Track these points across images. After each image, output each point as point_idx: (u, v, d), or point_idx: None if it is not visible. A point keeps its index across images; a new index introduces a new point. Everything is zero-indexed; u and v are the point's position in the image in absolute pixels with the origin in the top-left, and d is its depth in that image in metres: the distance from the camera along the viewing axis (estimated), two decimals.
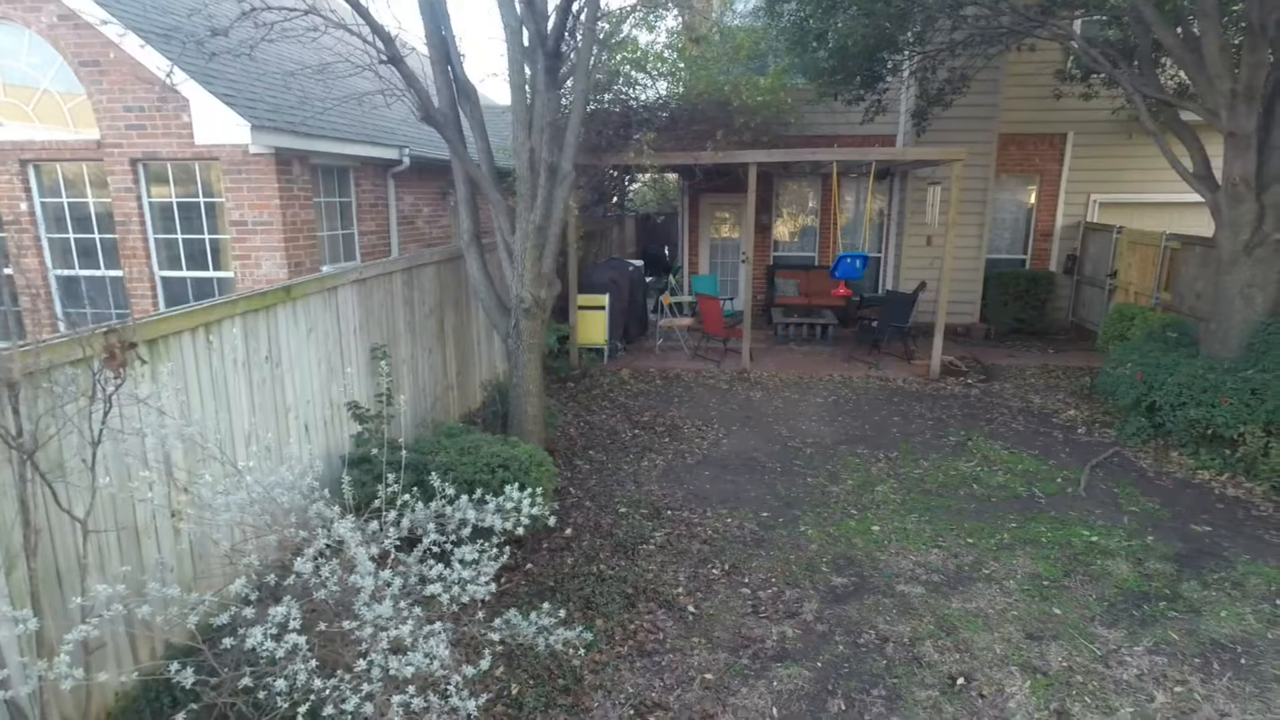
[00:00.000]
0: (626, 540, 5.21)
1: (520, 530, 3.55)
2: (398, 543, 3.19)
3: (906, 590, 4.62)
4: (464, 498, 3.59)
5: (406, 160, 9.03)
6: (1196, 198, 7.31)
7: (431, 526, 3.41)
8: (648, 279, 13.11)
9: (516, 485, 4.02)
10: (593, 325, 10.17)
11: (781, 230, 13.42)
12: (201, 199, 7.38)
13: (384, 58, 5.10)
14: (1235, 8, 7.08)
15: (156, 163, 7.29)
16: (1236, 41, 7.76)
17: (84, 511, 2.48)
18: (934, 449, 7.00)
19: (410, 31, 5.82)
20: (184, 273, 7.61)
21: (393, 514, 3.28)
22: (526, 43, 5.15)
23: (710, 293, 11.32)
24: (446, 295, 7.26)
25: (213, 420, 4.05)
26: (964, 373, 9.52)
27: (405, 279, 6.39)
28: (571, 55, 5.38)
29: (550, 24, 4.77)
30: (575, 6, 4.74)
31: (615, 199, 11.45)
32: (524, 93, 5.17)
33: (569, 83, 5.87)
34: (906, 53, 9.36)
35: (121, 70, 7.00)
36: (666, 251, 19.52)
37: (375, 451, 4.88)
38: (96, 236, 7.68)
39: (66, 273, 7.84)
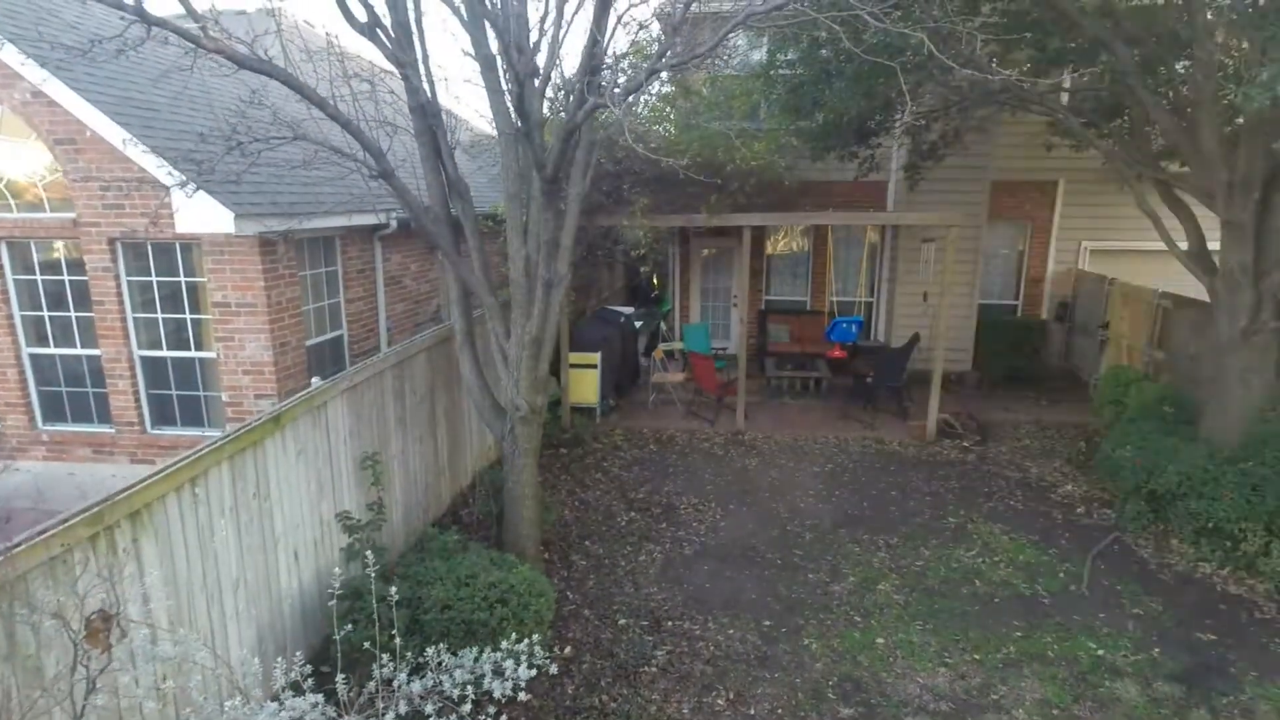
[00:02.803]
0: (627, 662, 5.07)
1: (521, 697, 3.43)
2: None
3: None
4: (459, 669, 3.47)
5: (393, 223, 8.82)
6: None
7: (430, 709, 3.29)
8: (637, 321, 12.92)
9: (517, 632, 3.92)
10: (585, 384, 10.02)
11: (773, 275, 13.34)
12: (183, 278, 7.15)
13: (374, 173, 4.94)
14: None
15: (135, 242, 7.06)
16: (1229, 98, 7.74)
17: None
18: (934, 533, 6.93)
19: (407, 130, 5.64)
20: (165, 352, 7.38)
21: (391, 715, 3.12)
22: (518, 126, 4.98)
23: (701, 345, 11.20)
24: (438, 379, 7.09)
25: (199, 579, 3.87)
26: (959, 435, 9.48)
27: (396, 373, 6.22)
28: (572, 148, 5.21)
29: (548, 155, 4.63)
30: (575, 132, 4.56)
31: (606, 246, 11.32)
32: (520, 202, 5.02)
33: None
34: (899, 113, 9.30)
35: (98, 149, 6.76)
36: (655, 280, 19.41)
37: (367, 574, 4.71)
38: (73, 314, 7.43)
39: (41, 351, 7.58)
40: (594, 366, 10.00)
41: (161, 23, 3.74)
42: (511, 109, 4.63)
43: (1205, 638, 5.34)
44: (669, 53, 4.27)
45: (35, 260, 7.36)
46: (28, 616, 2.60)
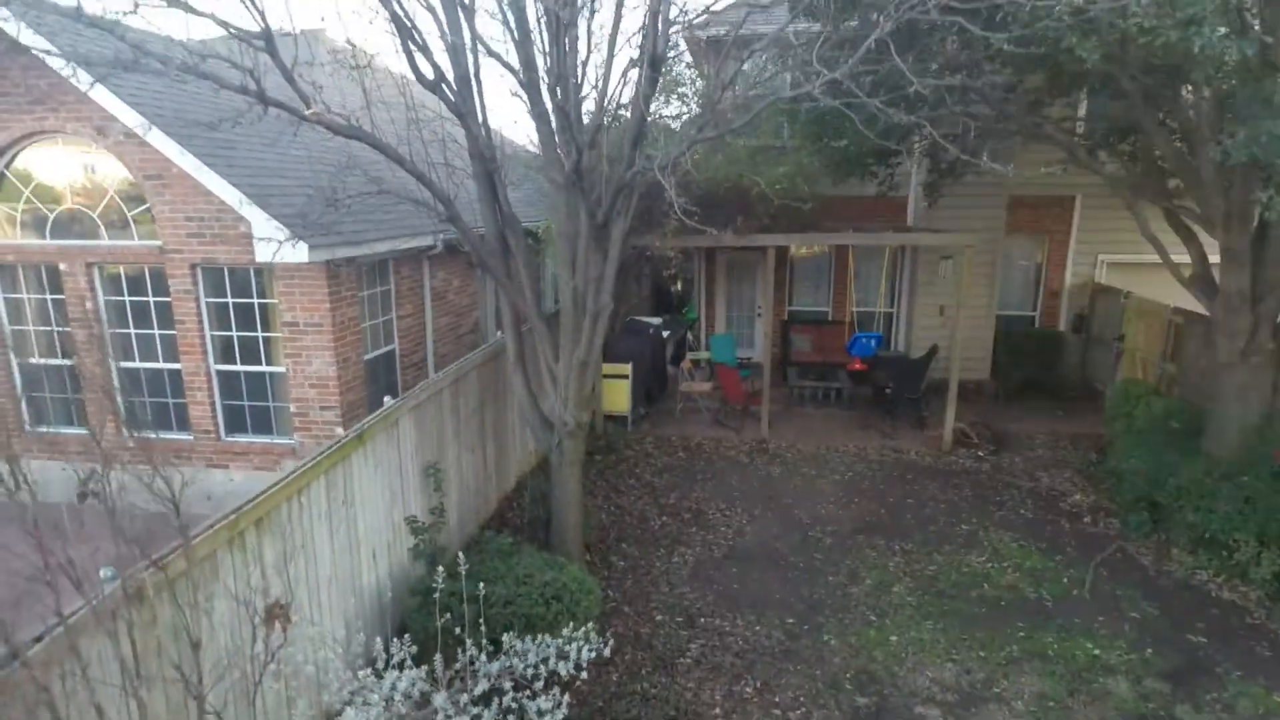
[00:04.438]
0: (665, 653, 5.66)
1: (583, 675, 4.08)
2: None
3: (924, 713, 5.05)
4: (530, 650, 4.11)
5: (440, 245, 9.48)
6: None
7: (509, 685, 3.92)
8: (665, 331, 13.47)
9: (572, 624, 4.53)
10: (617, 394, 10.61)
11: (796, 286, 13.83)
12: (256, 300, 7.87)
13: (444, 217, 5.56)
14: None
15: (214, 267, 7.77)
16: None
17: None
18: (947, 539, 7.42)
19: (465, 170, 6.24)
20: (238, 367, 8.10)
21: (478, 689, 3.74)
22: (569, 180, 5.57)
23: (727, 355, 11.76)
24: (487, 393, 7.72)
25: (303, 576, 4.52)
26: (975, 444, 9.93)
27: (452, 390, 6.86)
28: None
29: (600, 207, 5.22)
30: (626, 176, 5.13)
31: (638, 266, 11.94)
32: (569, 239, 5.62)
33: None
34: (916, 136, 9.76)
35: (183, 184, 7.48)
36: (680, 287, 19.97)
37: (439, 582, 5.32)
38: (156, 332, 8.18)
39: (127, 365, 8.34)
40: (625, 377, 10.59)
41: (280, 104, 4.39)
42: (566, 164, 5.20)
43: (1196, 640, 5.80)
44: (707, 125, 4.85)
45: (124, 282, 8.11)
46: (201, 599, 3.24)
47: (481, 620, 4.79)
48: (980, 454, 9.72)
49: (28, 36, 6.88)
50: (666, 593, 6.53)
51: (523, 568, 5.42)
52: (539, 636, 4.20)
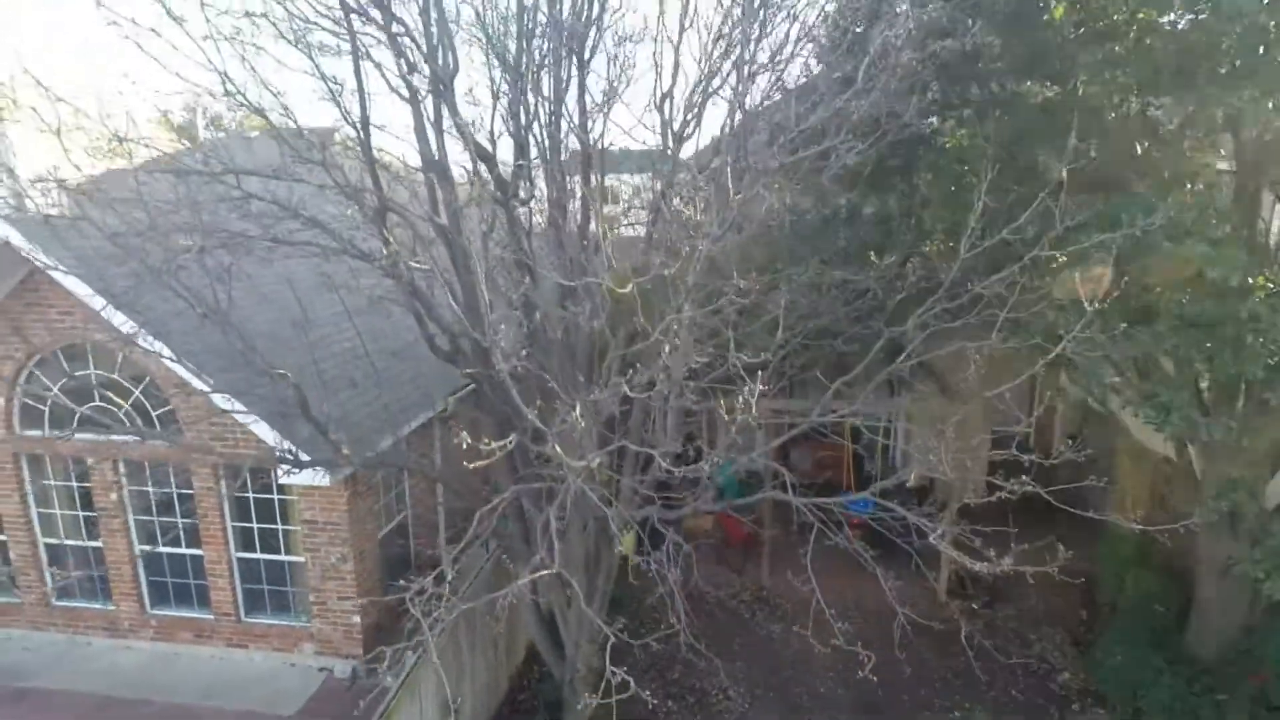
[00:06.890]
0: None
1: None
2: None
3: None
4: None
5: (451, 403, 9.77)
6: None
7: None
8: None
9: None
10: (625, 539, 10.91)
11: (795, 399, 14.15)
12: (276, 496, 8.18)
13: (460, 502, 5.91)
14: None
15: (236, 465, 8.08)
16: None
17: None
18: None
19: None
20: (259, 555, 8.43)
21: None
22: None
23: (730, 490, 12.12)
24: (498, 584, 8.02)
25: None
26: (969, 595, 10.24)
27: (466, 609, 7.16)
28: None
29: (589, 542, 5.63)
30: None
31: None
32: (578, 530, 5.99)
33: None
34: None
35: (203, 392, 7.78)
36: None
37: None
38: (179, 520, 8.50)
39: (150, 549, 8.66)
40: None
41: (311, 464, 4.72)
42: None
43: None
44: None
45: (149, 476, 8.42)
46: None
47: None
48: (975, 606, 10.04)
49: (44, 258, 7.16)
50: None
51: None
52: None
